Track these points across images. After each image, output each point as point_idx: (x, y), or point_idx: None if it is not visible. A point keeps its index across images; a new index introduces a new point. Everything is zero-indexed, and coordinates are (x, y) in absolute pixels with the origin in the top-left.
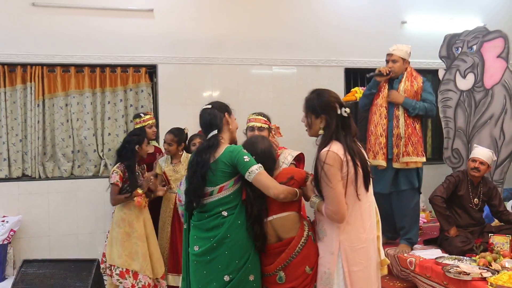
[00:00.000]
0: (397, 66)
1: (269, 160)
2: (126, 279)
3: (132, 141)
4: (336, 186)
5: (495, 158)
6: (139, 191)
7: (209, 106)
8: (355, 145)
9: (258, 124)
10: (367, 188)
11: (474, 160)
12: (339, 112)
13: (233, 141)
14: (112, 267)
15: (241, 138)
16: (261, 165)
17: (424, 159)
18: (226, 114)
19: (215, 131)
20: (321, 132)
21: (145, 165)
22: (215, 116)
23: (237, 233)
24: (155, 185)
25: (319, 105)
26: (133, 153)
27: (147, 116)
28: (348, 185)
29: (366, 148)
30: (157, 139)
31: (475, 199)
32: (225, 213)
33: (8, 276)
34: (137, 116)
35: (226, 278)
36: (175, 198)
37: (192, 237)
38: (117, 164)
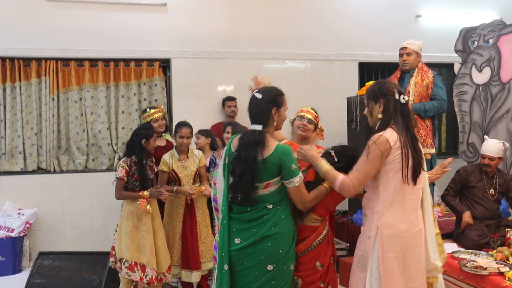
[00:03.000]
0: (411, 59)
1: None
2: (135, 272)
3: (140, 135)
4: (371, 166)
5: (507, 146)
6: (146, 194)
7: (259, 96)
8: (412, 136)
9: (309, 116)
10: (414, 181)
11: (483, 157)
12: (397, 97)
13: (277, 130)
14: (121, 261)
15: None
16: (302, 176)
17: (433, 151)
18: (274, 109)
19: (260, 127)
20: (379, 116)
21: (153, 158)
22: (262, 110)
23: (281, 227)
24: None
25: (378, 89)
26: (141, 147)
27: (152, 110)
28: (394, 171)
29: None
30: (169, 132)
31: (491, 190)
32: (270, 206)
33: (24, 268)
34: (144, 111)
35: (270, 267)
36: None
37: (232, 230)
38: (123, 158)
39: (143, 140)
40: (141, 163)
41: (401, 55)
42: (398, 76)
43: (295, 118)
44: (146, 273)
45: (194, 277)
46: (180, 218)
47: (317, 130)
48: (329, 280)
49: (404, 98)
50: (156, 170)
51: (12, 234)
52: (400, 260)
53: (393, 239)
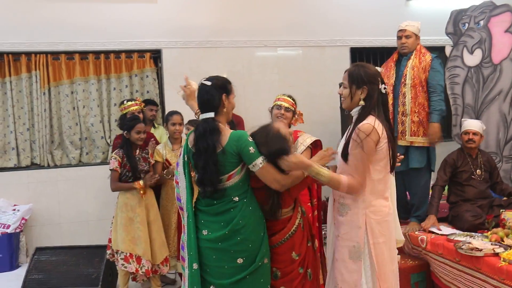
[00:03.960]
0: (410, 41)
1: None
2: (130, 264)
3: (123, 127)
4: (368, 160)
5: (485, 127)
6: (141, 183)
7: (208, 83)
8: (391, 126)
9: (286, 105)
10: (393, 169)
11: (466, 133)
12: (380, 86)
13: (228, 121)
14: (117, 252)
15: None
16: (264, 157)
17: None
18: (224, 95)
19: (211, 114)
20: (361, 103)
21: (148, 150)
22: (213, 96)
23: (249, 219)
24: (158, 180)
25: (364, 75)
26: (124, 139)
27: (129, 103)
28: (379, 160)
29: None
30: (162, 122)
31: (478, 170)
32: (236, 198)
33: (21, 264)
34: (121, 102)
35: (240, 261)
36: None
37: (200, 222)
38: (116, 150)
39: (125, 132)
40: (128, 154)
41: (399, 38)
42: (395, 59)
43: (273, 107)
44: (142, 264)
45: None
46: (175, 209)
47: (296, 116)
48: (308, 263)
49: (384, 88)
50: (152, 162)
51: (8, 231)
52: (387, 244)
53: (380, 224)
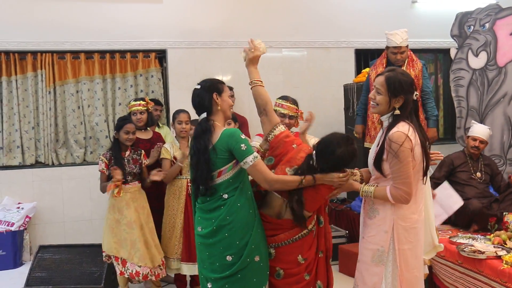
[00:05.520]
0: (405, 55)
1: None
2: (115, 266)
3: (115, 127)
4: (410, 168)
5: (491, 133)
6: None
7: (198, 87)
8: (423, 131)
9: (291, 113)
10: (425, 173)
11: (474, 139)
12: (414, 94)
13: (227, 119)
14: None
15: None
16: (257, 154)
17: None
18: (214, 94)
19: (205, 114)
20: (396, 112)
21: (142, 151)
22: (203, 98)
23: (237, 215)
24: (145, 172)
25: (404, 84)
26: (114, 139)
27: (133, 103)
28: (413, 165)
29: (365, 132)
30: (167, 123)
31: (478, 173)
32: (225, 196)
33: (25, 262)
34: (129, 102)
35: (229, 258)
36: (187, 184)
37: (197, 218)
38: (104, 152)
39: (115, 132)
40: (116, 156)
41: (394, 54)
42: (384, 64)
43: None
44: (127, 267)
45: (197, 270)
46: (182, 209)
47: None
48: (317, 274)
49: (416, 95)
50: (145, 163)
51: (12, 228)
52: (412, 250)
53: (407, 231)
